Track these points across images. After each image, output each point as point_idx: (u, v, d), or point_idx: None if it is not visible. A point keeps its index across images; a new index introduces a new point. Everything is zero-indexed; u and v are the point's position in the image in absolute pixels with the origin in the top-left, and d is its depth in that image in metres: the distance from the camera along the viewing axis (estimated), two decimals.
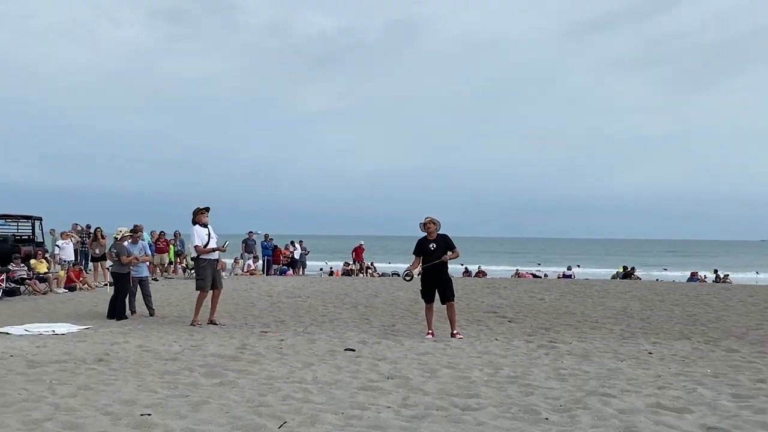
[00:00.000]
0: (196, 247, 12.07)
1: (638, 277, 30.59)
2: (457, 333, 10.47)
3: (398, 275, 30.36)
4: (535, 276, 32.49)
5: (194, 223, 12.18)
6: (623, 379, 7.09)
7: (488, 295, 18.04)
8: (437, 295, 10.65)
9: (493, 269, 41.77)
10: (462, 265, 37.12)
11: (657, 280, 32.22)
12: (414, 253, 10.83)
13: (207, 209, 12.37)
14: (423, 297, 10.80)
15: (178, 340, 9.91)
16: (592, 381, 6.96)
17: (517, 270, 36.91)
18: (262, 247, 29.16)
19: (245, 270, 27.31)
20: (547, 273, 36.98)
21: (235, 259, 27.93)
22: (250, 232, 29.19)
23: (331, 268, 35.05)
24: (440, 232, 10.71)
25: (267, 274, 27.56)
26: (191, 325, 11.82)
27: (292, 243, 30.55)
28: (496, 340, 10.17)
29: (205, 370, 7.37)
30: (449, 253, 10.56)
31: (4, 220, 24.55)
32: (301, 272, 29.77)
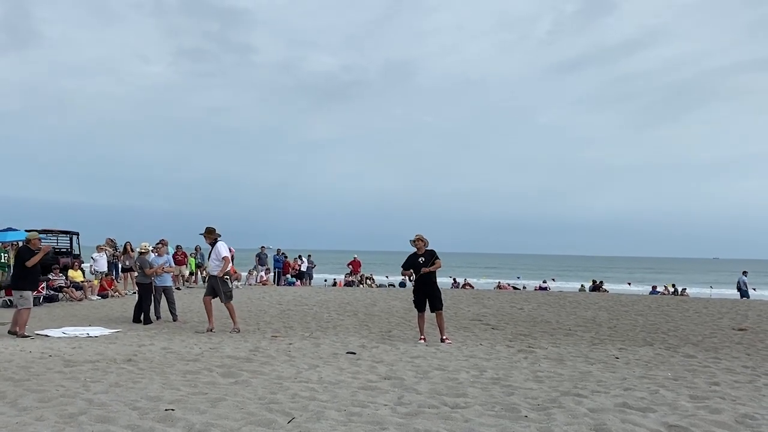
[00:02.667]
0: (225, 258, 11.87)
1: (606, 290, 30.49)
2: (446, 338, 10.43)
3: (394, 286, 30.29)
4: (515, 288, 32.41)
5: (216, 240, 11.99)
6: (593, 381, 7.05)
7: (474, 304, 17.97)
8: (428, 305, 10.64)
9: (477, 282, 41.66)
10: (450, 277, 37.03)
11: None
12: (402, 266, 10.94)
13: (205, 232, 12.16)
14: (416, 306, 10.79)
15: (198, 343, 9.84)
16: (566, 383, 6.93)
17: (498, 282, 36.81)
18: (273, 260, 29.09)
19: (258, 281, 27.21)
20: (526, 285, 36.93)
21: (249, 270, 27.85)
22: (263, 246, 29.11)
23: (334, 279, 34.89)
24: (428, 248, 10.76)
25: (277, 285, 27.46)
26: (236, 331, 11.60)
27: (300, 257, 30.47)
28: (481, 345, 10.12)
29: (222, 371, 7.32)
30: (434, 264, 10.59)
31: (44, 234, 24.45)
32: (308, 283, 29.67)
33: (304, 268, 29.91)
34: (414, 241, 10.76)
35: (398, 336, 11.18)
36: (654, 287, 33.08)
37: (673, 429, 4.94)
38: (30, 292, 11.07)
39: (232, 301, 11.98)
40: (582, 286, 34.55)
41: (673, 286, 33.54)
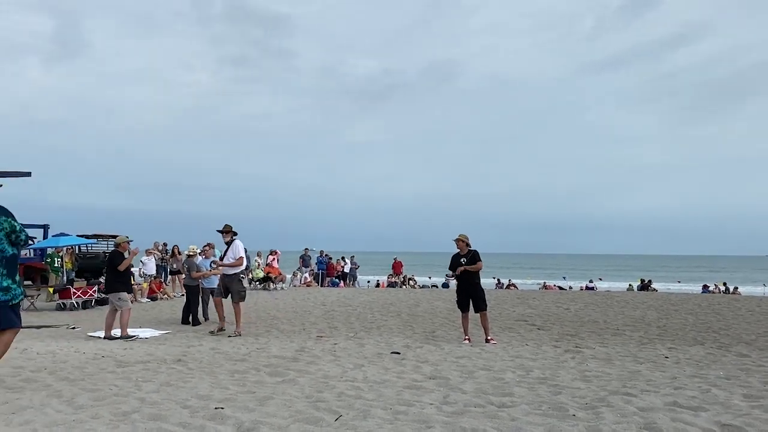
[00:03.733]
0: (240, 258, 11.81)
1: (655, 289, 29.89)
2: (491, 339, 10.38)
3: (437, 287, 30.22)
4: (560, 288, 32.02)
5: (233, 239, 11.85)
6: (642, 380, 6.94)
7: (519, 305, 17.83)
8: (472, 306, 10.60)
9: (522, 282, 41.25)
10: (494, 278, 36.76)
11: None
12: (449, 268, 10.95)
13: (223, 230, 11.97)
14: (459, 307, 10.76)
15: (245, 344, 9.99)
16: (614, 382, 6.83)
17: (544, 283, 36.40)
18: (317, 261, 29.32)
19: (302, 282, 27.45)
20: (572, 285, 36.44)
21: (294, 272, 28.12)
22: (306, 248, 29.37)
23: (377, 280, 34.97)
24: (471, 248, 10.69)
25: (321, 286, 27.66)
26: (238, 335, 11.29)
27: (343, 258, 30.64)
28: (527, 345, 10.04)
29: (269, 370, 7.42)
30: (475, 265, 10.54)
31: (95, 239, 25.11)
32: (351, 284, 29.82)
33: (347, 270, 30.07)
34: (456, 242, 10.74)
35: (442, 336, 11.16)
36: (705, 286, 32.29)
37: (727, 428, 4.83)
38: (127, 294, 11.31)
39: (242, 304, 11.79)
40: (630, 285, 33.91)
41: (725, 284, 32.73)
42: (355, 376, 7.09)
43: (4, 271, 5.91)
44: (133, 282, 19.98)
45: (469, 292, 10.60)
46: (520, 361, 8.37)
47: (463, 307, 10.68)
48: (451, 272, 10.98)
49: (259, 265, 25.26)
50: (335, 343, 10.02)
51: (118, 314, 11.09)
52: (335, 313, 15.53)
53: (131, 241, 12.12)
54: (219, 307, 11.96)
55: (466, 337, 10.50)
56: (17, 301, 6.00)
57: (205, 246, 15.09)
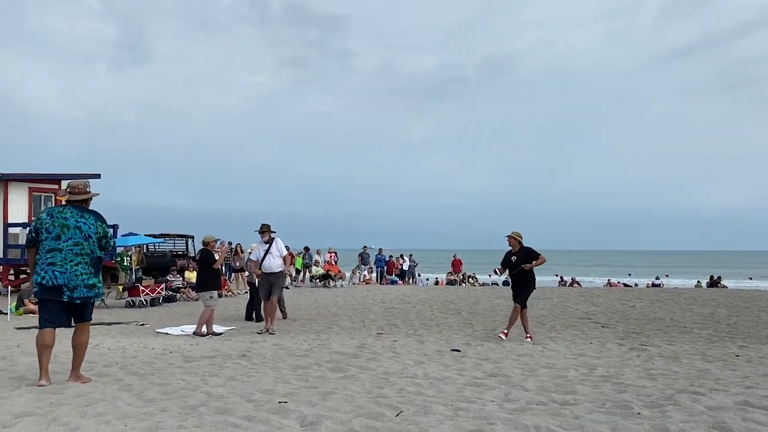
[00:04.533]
0: (286, 256, 11.96)
1: (725, 286, 28.89)
2: (529, 336, 10.21)
3: (497, 285, 29.96)
4: (626, 285, 31.28)
5: (272, 238, 11.84)
6: (711, 379, 6.73)
7: (582, 302, 17.51)
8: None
9: (586, 280, 40.47)
10: (557, 275, 36.21)
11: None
12: (501, 265, 10.83)
13: (260, 229, 11.91)
14: (514, 300, 10.68)
15: (307, 340, 10.15)
16: (681, 380, 6.65)
17: (608, 280, 35.61)
18: (376, 259, 29.48)
19: (361, 280, 27.65)
20: (638, 282, 35.49)
21: (353, 270, 28.35)
22: (365, 246, 29.57)
23: (436, 278, 34.91)
24: (524, 245, 10.55)
25: (380, 284, 27.79)
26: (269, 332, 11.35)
27: (402, 256, 30.71)
28: (591, 343, 9.87)
29: (330, 365, 7.51)
30: (537, 261, 10.38)
31: (163, 238, 25.88)
32: (410, 282, 29.86)
33: (406, 267, 30.13)
34: (508, 239, 10.61)
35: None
36: None
37: None
38: (216, 292, 11.48)
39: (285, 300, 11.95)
40: (698, 282, 32.92)
41: None
42: (416, 372, 7.11)
43: (93, 271, 6.30)
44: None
45: (520, 287, 10.48)
46: (583, 359, 8.23)
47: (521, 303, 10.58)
48: (500, 268, 10.85)
49: (317, 263, 25.57)
50: (395, 340, 10.06)
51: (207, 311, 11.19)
52: (394, 310, 15.59)
53: (218, 239, 12.35)
54: (273, 308, 11.86)
55: (528, 335, 10.38)
56: (99, 299, 6.35)
57: None
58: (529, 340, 10.06)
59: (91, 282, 6.25)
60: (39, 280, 6.08)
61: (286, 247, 12.13)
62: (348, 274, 27.46)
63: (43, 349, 6.17)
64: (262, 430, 4.59)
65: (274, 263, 11.69)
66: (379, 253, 29.81)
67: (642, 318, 13.64)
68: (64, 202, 6.41)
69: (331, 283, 24.16)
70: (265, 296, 11.81)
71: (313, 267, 25.65)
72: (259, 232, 11.88)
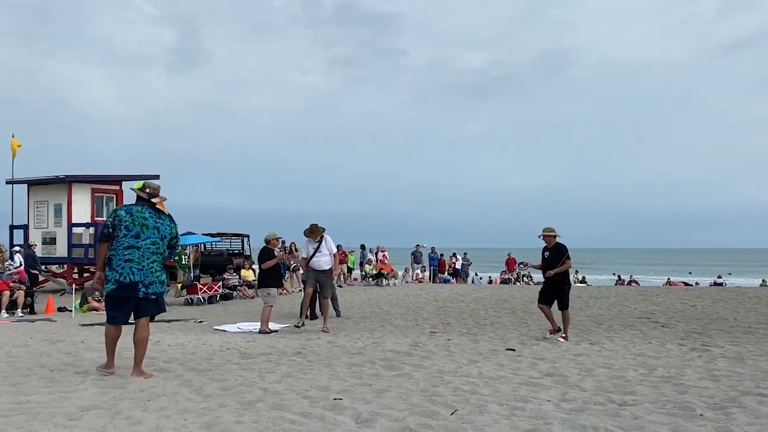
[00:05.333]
0: (335, 254, 11.91)
1: None
2: (564, 337, 10.02)
3: None
4: (686, 284, 30.39)
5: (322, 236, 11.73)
6: None
7: (641, 302, 17.09)
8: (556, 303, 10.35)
9: (644, 278, 39.49)
10: (614, 274, 35.46)
11: None
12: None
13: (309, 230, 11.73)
14: (539, 301, 10.56)
15: (360, 338, 10.19)
16: (746, 382, 6.42)
17: (668, 279, 34.66)
18: (428, 258, 29.42)
19: (414, 278, 27.63)
20: (698, 281, 34.43)
21: (405, 268, 28.36)
22: (418, 245, 29.53)
23: (489, 277, 34.62)
24: (559, 242, 10.33)
25: (433, 282, 27.73)
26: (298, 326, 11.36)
27: (455, 255, 30.57)
28: (650, 343, 9.62)
29: (384, 363, 7.53)
30: (563, 265, 10.13)
31: (219, 238, 26.37)
32: (463, 281, 29.69)
33: (458, 266, 29.98)
34: (543, 234, 10.39)
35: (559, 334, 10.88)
36: None
37: None
38: (275, 289, 11.58)
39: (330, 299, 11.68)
40: (763, 281, 31.78)
41: None
42: (470, 371, 7.06)
43: (161, 267, 6.63)
44: (254, 278, 20.81)
45: (552, 290, 10.31)
46: (642, 359, 8.03)
47: (540, 299, 10.49)
48: (524, 264, 10.66)
49: (371, 261, 25.67)
50: (449, 339, 10.02)
51: (267, 308, 11.28)
52: (448, 309, 15.53)
53: (280, 237, 12.45)
54: (308, 299, 11.93)
55: (553, 328, 10.21)
56: (166, 293, 6.69)
57: None
58: (562, 339, 9.89)
59: (162, 278, 6.62)
60: (117, 276, 6.32)
61: (337, 246, 12.18)
62: (400, 273, 27.49)
63: (111, 340, 6.57)
64: (317, 426, 4.63)
65: (323, 261, 11.58)
66: (431, 252, 29.74)
67: (704, 318, 13.23)
68: (156, 201, 6.66)
69: (384, 281, 24.22)
70: (311, 284, 11.74)
71: (366, 265, 25.77)
72: (308, 232, 11.69)
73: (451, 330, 11.40)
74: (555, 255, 10.20)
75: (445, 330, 11.39)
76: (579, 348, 9.06)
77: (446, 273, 29.38)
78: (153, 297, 6.50)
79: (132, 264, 6.32)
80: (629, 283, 30.62)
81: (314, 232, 11.64)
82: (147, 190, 6.62)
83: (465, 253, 31.06)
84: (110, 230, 6.42)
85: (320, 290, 11.88)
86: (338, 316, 13.89)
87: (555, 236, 10.35)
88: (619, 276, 34.24)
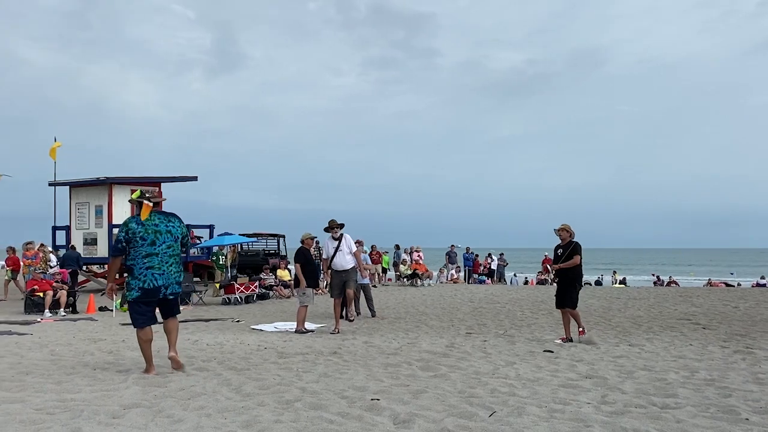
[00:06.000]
0: (357, 252, 11.74)
1: None
2: (581, 332, 9.87)
3: (590, 285, 29.17)
4: (728, 285, 29.71)
5: (342, 234, 11.58)
6: None
7: (681, 303, 16.77)
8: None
9: (684, 279, 38.75)
10: (653, 275, 34.86)
11: None
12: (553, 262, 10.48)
13: (329, 226, 11.60)
14: (556, 304, 10.40)
15: (396, 338, 10.19)
16: None
17: (709, 279, 33.93)
18: (463, 258, 29.30)
19: (448, 279, 27.54)
20: (741, 282, 33.64)
21: (440, 269, 28.29)
22: (452, 245, 29.43)
23: (525, 278, 34.33)
24: (574, 239, 10.12)
25: (468, 283, 27.60)
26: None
27: (490, 255, 30.39)
28: (691, 345, 9.43)
29: (420, 364, 7.52)
30: (571, 260, 9.92)
31: (256, 238, 26.62)
32: (499, 281, 29.50)
33: (494, 266, 29.78)
34: (558, 231, 10.18)
35: (597, 335, 10.73)
36: None
37: None
38: (311, 290, 11.45)
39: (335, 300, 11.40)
40: None
41: None
42: (507, 373, 7.01)
43: (179, 269, 6.88)
44: (290, 278, 20.98)
45: (561, 287, 10.11)
46: (683, 361, 7.88)
47: (559, 304, 10.28)
48: (548, 269, 10.47)
49: (405, 261, 25.66)
50: (485, 340, 9.96)
51: (301, 308, 11.26)
52: (483, 309, 15.43)
53: (315, 237, 12.48)
54: (338, 307, 11.53)
55: (565, 337, 9.98)
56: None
57: (355, 242, 15.51)
58: (581, 335, 9.77)
59: (180, 279, 6.90)
60: (140, 284, 6.61)
61: (372, 246, 12.15)
62: (435, 273, 27.41)
63: (146, 344, 6.79)
64: (356, 426, 4.65)
65: (344, 260, 11.43)
66: (466, 252, 29.61)
67: (746, 319, 12.93)
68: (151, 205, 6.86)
69: (418, 281, 24.19)
70: (337, 295, 11.46)
71: (401, 265, 25.76)
72: (329, 229, 11.56)
73: (487, 331, 11.32)
74: (569, 252, 10.01)
75: (481, 331, 11.32)
76: (618, 350, 8.93)
77: (481, 273, 29.22)
78: (171, 297, 6.83)
79: (153, 270, 6.61)
80: (668, 283, 30.07)
81: (333, 229, 11.51)
82: (147, 196, 6.86)
83: (501, 254, 30.85)
84: (124, 244, 6.65)
85: (344, 287, 11.49)
86: (373, 316, 13.91)
87: (570, 233, 10.19)
88: (658, 277, 33.63)
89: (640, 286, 29.49)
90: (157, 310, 6.93)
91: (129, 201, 7.27)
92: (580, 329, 9.96)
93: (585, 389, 6.14)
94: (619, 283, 31.08)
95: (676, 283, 30.16)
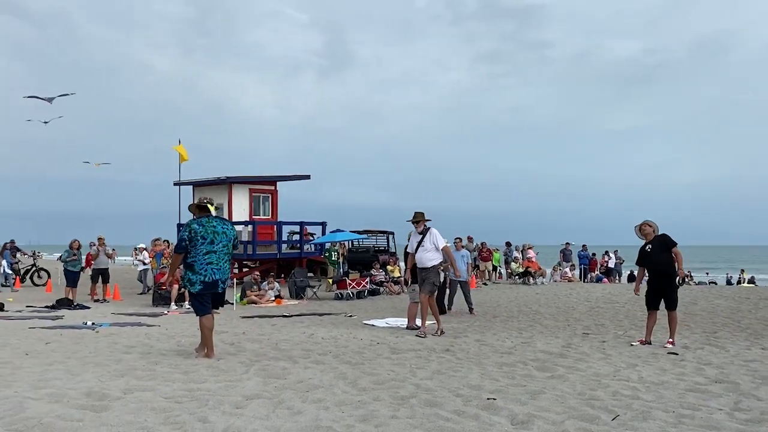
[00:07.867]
0: (445, 248, 10.79)
1: None
2: (671, 342, 9.14)
3: (716, 284, 27.55)
4: None
5: (427, 227, 10.61)
6: None
7: None
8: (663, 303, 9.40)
9: None
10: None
11: None
12: (636, 263, 9.76)
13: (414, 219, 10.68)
14: (646, 303, 9.62)
15: (509, 337, 10.04)
16: None
17: None
18: (578, 256, 28.45)
19: (562, 277, 26.82)
20: None
21: (554, 267, 27.61)
22: (567, 242, 28.64)
23: None
24: (658, 233, 9.42)
25: (583, 282, 26.76)
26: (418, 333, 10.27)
27: (608, 253, 29.31)
28: None
29: (536, 364, 7.36)
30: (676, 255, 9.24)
31: (366, 235, 27.06)
32: (617, 280, 28.38)
33: (611, 265, 28.68)
34: (641, 228, 9.53)
35: (725, 337, 10.13)
36: None
37: None
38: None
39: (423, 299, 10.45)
40: None
41: None
42: (629, 375, 6.73)
43: (230, 265, 7.85)
44: (399, 275, 21.14)
45: (660, 286, 9.34)
46: None
47: (650, 303, 9.52)
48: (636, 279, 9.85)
49: (517, 259, 25.23)
50: (603, 341, 9.62)
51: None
52: (601, 309, 14.92)
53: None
54: (432, 307, 10.55)
55: (646, 339, 9.32)
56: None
57: (455, 239, 15.40)
58: (670, 345, 9.06)
59: (229, 274, 7.84)
60: (202, 278, 7.46)
61: (482, 243, 11.79)
62: (548, 271, 26.79)
63: (208, 330, 7.65)
64: (473, 425, 4.61)
65: (425, 257, 10.41)
66: (582, 250, 28.72)
67: None
68: (213, 213, 7.87)
69: (531, 280, 23.71)
70: (428, 291, 10.41)
71: (512, 263, 25.35)
72: (413, 222, 10.70)
73: (606, 331, 10.93)
74: (659, 246, 9.31)
75: (599, 331, 10.94)
76: (750, 353, 8.37)
77: (597, 272, 28.25)
78: (221, 291, 7.73)
79: (212, 266, 7.49)
80: None
81: (418, 222, 10.60)
82: (206, 201, 7.84)
83: (616, 251, 29.68)
84: (186, 243, 7.47)
85: (420, 286, 10.52)
86: (471, 312, 13.76)
87: (653, 228, 9.51)
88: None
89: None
90: None
91: (189, 208, 8.26)
92: (671, 339, 9.26)
93: (715, 394, 5.80)
94: (748, 283, 29.15)
95: None
